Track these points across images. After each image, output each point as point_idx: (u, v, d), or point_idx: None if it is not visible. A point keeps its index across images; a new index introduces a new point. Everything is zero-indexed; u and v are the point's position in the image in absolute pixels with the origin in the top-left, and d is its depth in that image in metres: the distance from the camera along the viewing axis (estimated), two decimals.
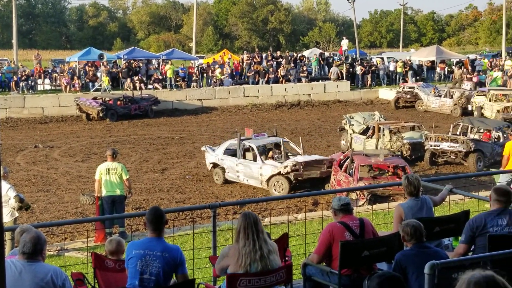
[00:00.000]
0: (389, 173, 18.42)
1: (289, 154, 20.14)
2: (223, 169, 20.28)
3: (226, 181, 20.28)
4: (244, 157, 19.85)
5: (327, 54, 55.29)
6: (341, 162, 18.80)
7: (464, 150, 21.51)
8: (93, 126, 32.87)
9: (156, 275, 5.89)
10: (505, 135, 21.98)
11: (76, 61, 41.99)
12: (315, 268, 6.80)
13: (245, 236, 5.93)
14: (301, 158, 19.24)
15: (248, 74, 42.89)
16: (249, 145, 19.85)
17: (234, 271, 5.89)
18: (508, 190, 6.78)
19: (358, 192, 16.80)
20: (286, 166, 18.56)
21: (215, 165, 20.70)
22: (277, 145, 20.44)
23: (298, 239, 11.33)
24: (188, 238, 12.36)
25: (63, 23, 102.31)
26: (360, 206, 15.74)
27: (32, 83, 38.68)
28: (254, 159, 19.57)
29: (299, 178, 18.80)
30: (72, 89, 37.73)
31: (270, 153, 20.09)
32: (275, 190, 18.73)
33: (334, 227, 6.66)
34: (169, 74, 39.99)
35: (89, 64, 41.47)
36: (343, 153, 20.45)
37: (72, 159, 24.54)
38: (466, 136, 22.97)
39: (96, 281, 6.77)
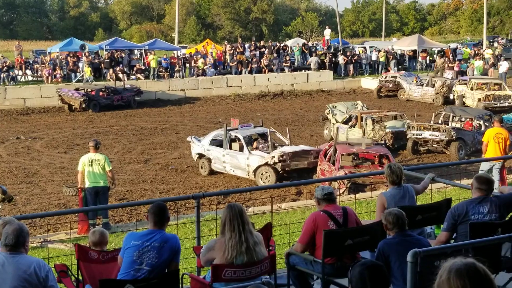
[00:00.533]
0: (375, 162, 18.46)
1: (276, 144, 20.09)
2: (209, 160, 20.18)
3: (212, 172, 20.23)
4: (230, 148, 19.78)
5: (310, 43, 55.24)
6: (326, 152, 18.88)
7: (446, 139, 21.63)
8: (76, 117, 32.68)
9: (151, 266, 5.93)
10: (486, 124, 22.15)
11: (57, 52, 41.66)
12: (298, 258, 6.83)
13: (231, 228, 5.92)
14: (288, 149, 19.18)
15: (231, 64, 42.81)
16: (235, 136, 19.76)
17: (220, 263, 5.90)
18: (490, 178, 6.85)
19: (339, 180, 16.82)
20: (274, 157, 18.49)
21: (201, 156, 20.59)
22: (262, 136, 20.36)
23: (282, 228, 11.37)
24: (171, 229, 12.32)
25: (44, 13, 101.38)
26: (339, 195, 15.79)
27: (14, 74, 38.38)
28: (241, 150, 19.49)
29: (286, 169, 18.76)
30: (54, 80, 37.47)
31: (255, 144, 19.98)
32: (261, 180, 18.69)
33: (318, 216, 6.68)
34: (153, 64, 39.81)
35: (71, 55, 41.17)
36: (329, 143, 20.52)
37: (55, 150, 24.41)
38: (448, 124, 23.10)
39: (79, 272, 6.75)
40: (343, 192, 16.36)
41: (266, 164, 18.65)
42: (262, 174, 18.77)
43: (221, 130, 20.59)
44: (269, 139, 19.71)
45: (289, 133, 20.84)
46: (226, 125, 20.21)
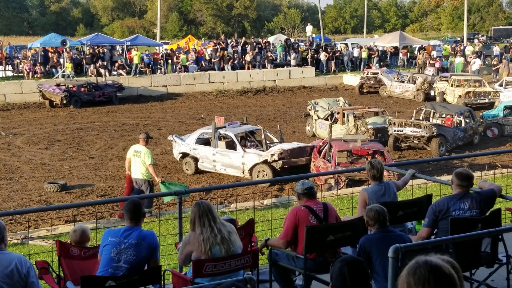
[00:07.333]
0: (371, 157, 18.40)
1: (267, 142, 19.42)
2: (195, 159, 19.72)
3: (197, 171, 19.81)
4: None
5: (292, 40, 55.26)
6: (320, 148, 18.82)
7: (426, 135, 21.78)
8: (57, 113, 32.46)
9: (129, 263, 5.92)
10: (467, 121, 22.31)
11: (38, 47, 41.29)
12: (281, 253, 6.85)
13: (201, 224, 5.96)
14: (286, 146, 18.84)
15: (213, 60, 42.68)
16: (225, 134, 19.36)
17: (198, 257, 5.91)
18: (470, 174, 6.85)
19: (336, 176, 16.75)
20: (273, 154, 18.12)
21: (184, 155, 20.10)
22: (251, 133, 20.15)
23: (264, 224, 11.42)
24: (154, 225, 12.35)
25: (24, 8, 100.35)
26: (340, 189, 15.79)
27: None
28: (230, 148, 19.11)
29: (285, 166, 18.31)
30: (34, 76, 37.18)
31: (242, 141, 19.64)
32: (258, 178, 18.15)
33: (299, 211, 6.70)
34: (136, 60, 39.60)
35: (52, 50, 40.85)
36: (323, 140, 20.52)
37: (36, 146, 24.24)
38: (428, 121, 23.25)
39: (61, 269, 6.73)
40: (341, 188, 16.38)
41: (264, 162, 18.28)
42: (259, 172, 18.34)
43: (206, 128, 20.25)
44: (262, 137, 19.24)
45: (281, 130, 20.67)
46: (215, 123, 19.66)
